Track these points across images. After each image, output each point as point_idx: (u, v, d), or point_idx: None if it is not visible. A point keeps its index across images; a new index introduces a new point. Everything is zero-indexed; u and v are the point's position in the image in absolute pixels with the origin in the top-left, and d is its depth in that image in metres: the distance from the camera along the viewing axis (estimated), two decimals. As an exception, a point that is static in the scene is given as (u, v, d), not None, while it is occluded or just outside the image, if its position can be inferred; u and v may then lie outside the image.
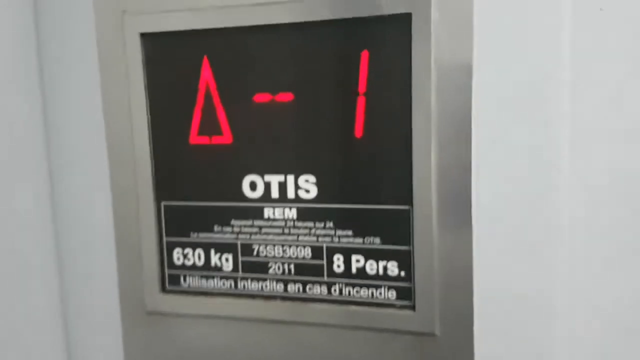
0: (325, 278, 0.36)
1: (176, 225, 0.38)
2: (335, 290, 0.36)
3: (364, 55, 0.33)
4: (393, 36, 0.32)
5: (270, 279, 0.37)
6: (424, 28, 0.31)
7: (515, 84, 0.31)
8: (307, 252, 0.36)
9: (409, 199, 0.33)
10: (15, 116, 0.38)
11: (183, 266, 0.38)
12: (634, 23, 0.30)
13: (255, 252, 0.37)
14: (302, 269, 0.36)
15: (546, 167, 0.31)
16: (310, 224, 0.36)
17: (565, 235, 0.32)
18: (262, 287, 0.37)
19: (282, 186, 0.36)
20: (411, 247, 0.34)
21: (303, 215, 0.36)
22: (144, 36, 0.36)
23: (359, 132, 0.34)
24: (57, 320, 0.42)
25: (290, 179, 0.35)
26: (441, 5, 0.31)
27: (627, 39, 0.30)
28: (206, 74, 0.36)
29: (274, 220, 0.36)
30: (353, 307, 0.35)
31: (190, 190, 0.37)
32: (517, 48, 0.31)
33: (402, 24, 0.32)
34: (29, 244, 0.39)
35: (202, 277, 0.38)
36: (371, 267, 0.35)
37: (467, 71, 0.31)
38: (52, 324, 0.41)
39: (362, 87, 0.33)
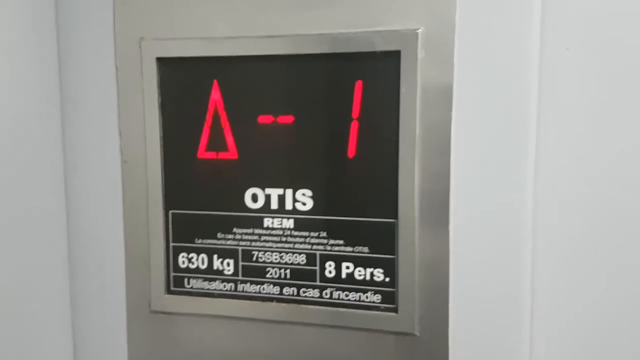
0: (318, 282, 0.40)
1: (182, 231, 0.42)
2: (326, 293, 0.40)
3: (358, 84, 0.37)
4: (384, 69, 0.36)
5: (267, 283, 0.41)
6: (411, 64, 0.36)
7: (489, 113, 0.36)
8: (302, 259, 0.40)
9: (394, 213, 0.37)
10: (33, 125, 0.41)
11: (187, 269, 0.42)
12: (598, 58, 0.35)
13: (254, 258, 0.41)
14: (297, 274, 0.40)
15: (515, 184, 0.36)
16: (306, 234, 0.40)
17: (533, 245, 0.36)
18: (259, 289, 0.41)
19: (281, 199, 0.40)
20: (396, 256, 0.38)
21: (299, 225, 0.40)
22: (160, 60, 0.40)
23: (351, 152, 0.38)
24: (66, 316, 0.45)
25: (289, 192, 0.39)
26: (427, 45, 0.35)
27: (591, 74, 0.35)
28: (215, 96, 0.40)
29: (273, 229, 0.40)
30: (342, 309, 0.39)
31: (196, 200, 0.41)
32: (493, 83, 0.35)
33: (392, 59, 0.36)
34: (42, 243, 0.43)
35: (204, 279, 0.42)
36: (359, 273, 0.39)
37: (448, 101, 0.36)
38: (60, 320, 0.44)
39: (355, 112, 0.37)
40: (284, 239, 0.40)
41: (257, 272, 0.41)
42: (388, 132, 0.37)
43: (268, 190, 0.40)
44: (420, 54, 0.35)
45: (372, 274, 0.39)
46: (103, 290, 0.44)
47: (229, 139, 0.40)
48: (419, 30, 0.35)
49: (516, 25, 0.35)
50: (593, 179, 0.35)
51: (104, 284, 0.44)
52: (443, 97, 0.36)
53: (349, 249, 0.39)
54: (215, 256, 0.41)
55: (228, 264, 0.41)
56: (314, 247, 0.39)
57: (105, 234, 0.44)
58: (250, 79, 0.39)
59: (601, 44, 0.35)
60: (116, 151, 0.42)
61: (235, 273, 0.41)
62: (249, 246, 0.41)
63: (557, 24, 0.35)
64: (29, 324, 0.42)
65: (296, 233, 0.40)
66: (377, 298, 0.39)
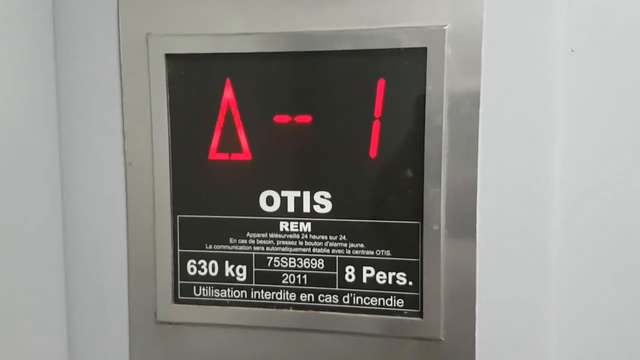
0: (337, 288, 0.38)
1: (191, 237, 0.40)
2: (346, 299, 0.38)
3: (381, 82, 0.36)
4: (409, 67, 0.35)
5: (283, 289, 0.39)
6: (438, 61, 0.35)
7: (517, 112, 0.35)
8: (320, 264, 0.38)
9: (419, 215, 0.36)
10: (26, 125, 0.39)
11: (196, 277, 0.40)
12: (625, 59, 0.35)
13: (269, 264, 0.39)
14: (315, 280, 0.39)
15: (543, 187, 0.35)
16: (324, 237, 0.38)
17: (560, 250, 0.36)
18: (275, 296, 0.39)
19: (298, 201, 0.38)
20: (420, 259, 0.37)
21: (317, 228, 0.38)
22: (169, 57, 0.38)
23: (373, 152, 0.37)
24: (61, 329, 0.42)
25: (306, 194, 0.38)
26: (454, 42, 0.35)
27: (618, 74, 0.35)
28: (228, 95, 0.38)
29: (289, 233, 0.39)
30: (363, 315, 0.38)
31: (207, 203, 0.39)
32: (520, 81, 0.35)
33: (417, 56, 0.35)
34: (36, 250, 0.40)
35: (215, 287, 0.40)
36: (381, 277, 0.38)
37: (475, 100, 0.35)
38: (55, 331, 0.42)
39: (377, 111, 0.36)
40: (300, 243, 0.38)
41: (272, 279, 0.39)
42: (412, 131, 0.36)
43: (284, 193, 0.38)
44: (447, 50, 0.35)
45: (394, 278, 0.37)
46: (103, 301, 0.42)
47: (243, 140, 0.38)
48: (446, 27, 0.35)
49: (544, 22, 0.35)
50: (621, 181, 0.35)
51: (104, 294, 0.42)
52: (470, 96, 0.35)
53: (370, 252, 0.38)
54: (226, 262, 0.40)
55: (241, 270, 0.39)
56: (333, 251, 0.38)
57: (106, 240, 0.41)
58: (266, 77, 0.38)
59: (630, 44, 0.35)
60: (119, 153, 0.40)
61: (249, 280, 0.39)
62: (264, 251, 0.39)
63: (583, 22, 0.35)
64: (21, 337, 0.39)
65: (314, 237, 0.38)
66: (399, 303, 0.37)
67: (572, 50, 0.35)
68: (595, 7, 0.35)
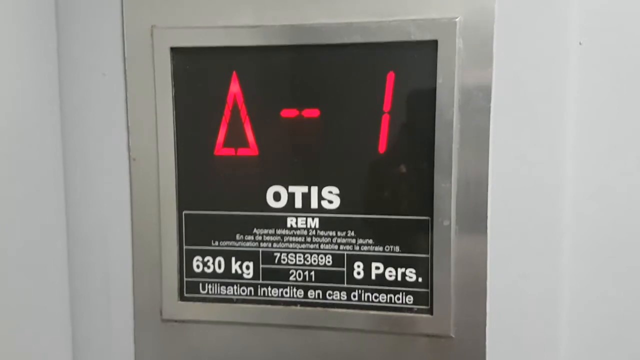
0: (345, 284, 0.38)
1: (197, 233, 0.39)
2: (354, 296, 0.38)
3: (390, 76, 0.35)
4: (419, 60, 0.35)
5: (290, 286, 0.38)
6: (449, 54, 0.34)
7: (529, 106, 0.34)
8: (328, 260, 0.38)
9: (429, 211, 0.36)
10: (27, 119, 0.38)
11: (202, 274, 0.39)
12: (636, 51, 0.34)
13: (276, 260, 0.38)
14: (323, 276, 0.38)
15: (554, 182, 0.35)
16: (332, 233, 0.38)
17: (571, 245, 0.35)
18: (282, 293, 0.39)
19: (306, 197, 0.38)
20: (430, 255, 0.36)
21: (325, 224, 0.38)
22: (174, 50, 0.38)
23: (382, 147, 0.36)
24: (66, 327, 0.41)
25: (314, 190, 0.37)
26: (465, 35, 0.34)
27: (631, 66, 0.34)
28: (234, 89, 0.37)
29: (297, 229, 0.38)
30: (372, 312, 0.37)
31: (213, 199, 0.39)
32: (532, 74, 0.34)
33: (428, 49, 0.35)
34: (39, 248, 0.39)
35: (221, 284, 0.39)
36: (390, 273, 0.37)
37: (486, 94, 0.34)
38: (59, 330, 0.41)
39: (387, 105, 0.36)
40: (308, 239, 0.38)
41: (279, 275, 0.39)
42: (422, 125, 0.35)
43: (292, 189, 0.38)
44: (459, 43, 0.34)
45: (403, 274, 0.37)
46: (108, 298, 0.41)
47: (249, 135, 0.38)
48: (457, 19, 0.34)
49: (556, 15, 0.34)
50: (633, 175, 0.35)
51: (109, 291, 0.41)
52: (481, 89, 0.34)
53: (379, 248, 0.37)
54: (233, 259, 0.39)
55: (247, 267, 0.39)
56: (342, 247, 0.38)
57: (110, 237, 0.41)
58: (273, 70, 0.37)
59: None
60: (124, 148, 0.39)
61: (256, 276, 0.39)
62: (271, 247, 0.38)
63: (596, 15, 0.34)
64: (25, 334, 0.38)
65: (322, 233, 0.38)
66: (409, 299, 0.37)
67: (580, 43, 0.35)
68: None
